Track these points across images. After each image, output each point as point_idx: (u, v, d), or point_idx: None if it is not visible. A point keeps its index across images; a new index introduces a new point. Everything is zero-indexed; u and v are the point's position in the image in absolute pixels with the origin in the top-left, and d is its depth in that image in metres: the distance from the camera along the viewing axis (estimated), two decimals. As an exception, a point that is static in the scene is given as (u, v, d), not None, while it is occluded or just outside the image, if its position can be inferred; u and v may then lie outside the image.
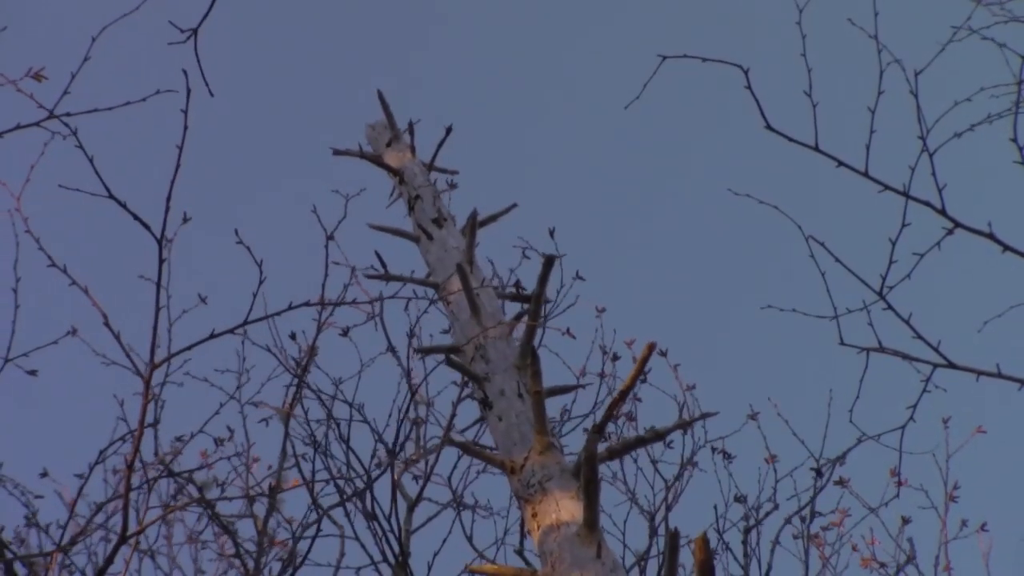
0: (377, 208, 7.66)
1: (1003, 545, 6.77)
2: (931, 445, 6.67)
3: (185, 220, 4.27)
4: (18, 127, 4.28)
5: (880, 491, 6.92)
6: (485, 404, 5.57)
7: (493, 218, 7.21)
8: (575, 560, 4.55)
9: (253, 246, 5.33)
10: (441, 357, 5.87)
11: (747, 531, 6.68)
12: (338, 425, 6.04)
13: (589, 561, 4.53)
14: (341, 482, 5.93)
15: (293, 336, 6.74)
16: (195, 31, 3.83)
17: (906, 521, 6.89)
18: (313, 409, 6.73)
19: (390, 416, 6.06)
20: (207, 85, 3.89)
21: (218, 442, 6.66)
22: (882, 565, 6.93)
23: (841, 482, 6.84)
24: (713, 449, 6.94)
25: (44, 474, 6.83)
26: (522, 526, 5.76)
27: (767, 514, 6.77)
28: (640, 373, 4.93)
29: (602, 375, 6.91)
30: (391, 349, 6.16)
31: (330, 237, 6.13)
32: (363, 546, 5.56)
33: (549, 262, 5.69)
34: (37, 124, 4.26)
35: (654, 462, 6.89)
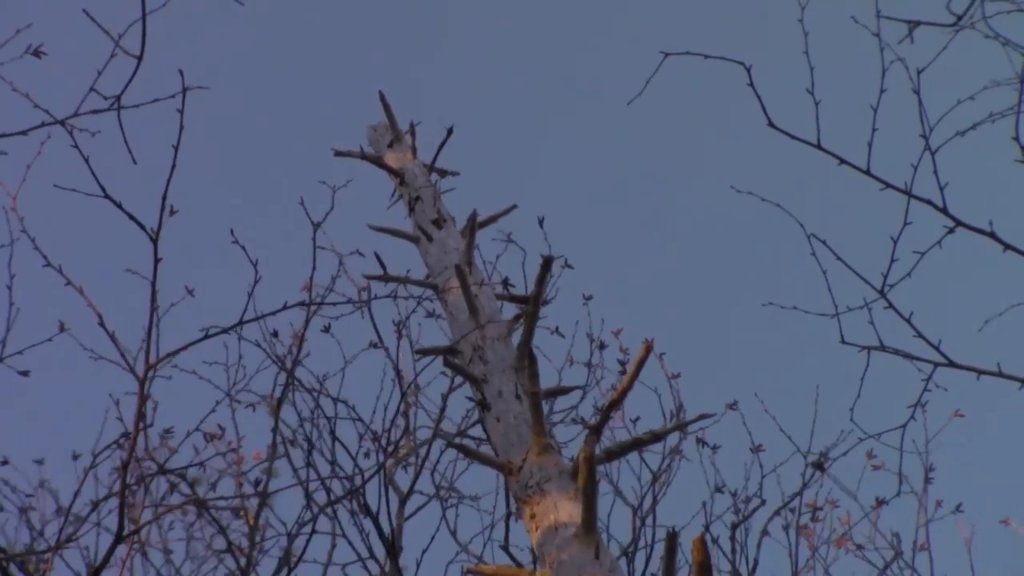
0: (378, 210, 7.65)
1: (984, 532, 6.90)
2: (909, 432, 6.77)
3: (172, 212, 4.25)
4: (42, 125, 4.23)
5: (857, 476, 7.05)
6: (483, 406, 5.53)
7: (493, 219, 7.14)
8: (573, 561, 4.52)
9: (251, 245, 5.35)
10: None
11: (735, 527, 6.68)
12: (328, 420, 6.05)
13: (587, 562, 4.50)
14: (332, 480, 5.91)
15: (276, 334, 6.82)
16: (118, 98, 3.86)
17: (881, 502, 6.95)
18: (302, 404, 6.75)
19: (377, 413, 6.05)
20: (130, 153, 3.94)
21: (209, 437, 6.65)
22: (859, 547, 6.99)
23: (819, 465, 6.87)
24: (698, 440, 6.95)
25: (40, 461, 6.83)
26: (507, 521, 5.74)
27: (755, 509, 6.79)
28: (638, 374, 4.89)
29: (589, 365, 6.97)
30: (380, 344, 6.15)
31: (317, 226, 6.13)
32: (351, 543, 5.53)
33: (547, 263, 5.63)
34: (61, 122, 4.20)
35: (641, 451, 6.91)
